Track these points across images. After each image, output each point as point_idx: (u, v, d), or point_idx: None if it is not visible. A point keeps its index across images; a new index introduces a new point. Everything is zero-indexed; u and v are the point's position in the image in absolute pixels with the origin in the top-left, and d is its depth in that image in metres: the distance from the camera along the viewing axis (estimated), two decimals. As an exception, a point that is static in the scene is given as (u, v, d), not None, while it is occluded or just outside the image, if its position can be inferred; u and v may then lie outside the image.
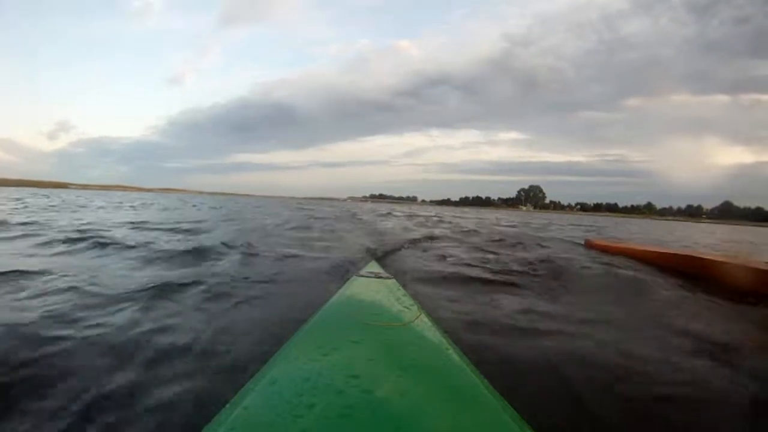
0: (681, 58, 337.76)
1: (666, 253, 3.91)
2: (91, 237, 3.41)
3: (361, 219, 9.07)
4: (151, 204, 13.44)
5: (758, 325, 1.94)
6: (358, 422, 0.54)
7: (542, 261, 3.46)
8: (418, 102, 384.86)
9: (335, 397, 0.60)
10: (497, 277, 2.65)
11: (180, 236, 4.10)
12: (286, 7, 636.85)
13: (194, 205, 14.00)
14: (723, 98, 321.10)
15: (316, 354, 0.78)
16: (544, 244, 5.18)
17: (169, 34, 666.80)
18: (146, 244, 3.28)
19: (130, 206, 10.94)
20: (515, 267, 3.11)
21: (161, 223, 5.49)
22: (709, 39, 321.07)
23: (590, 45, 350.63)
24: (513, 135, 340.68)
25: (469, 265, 3.12)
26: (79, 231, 3.87)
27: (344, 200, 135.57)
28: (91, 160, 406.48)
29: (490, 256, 3.75)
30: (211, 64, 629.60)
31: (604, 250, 4.71)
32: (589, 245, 5.26)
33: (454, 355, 0.84)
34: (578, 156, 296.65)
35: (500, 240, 5.53)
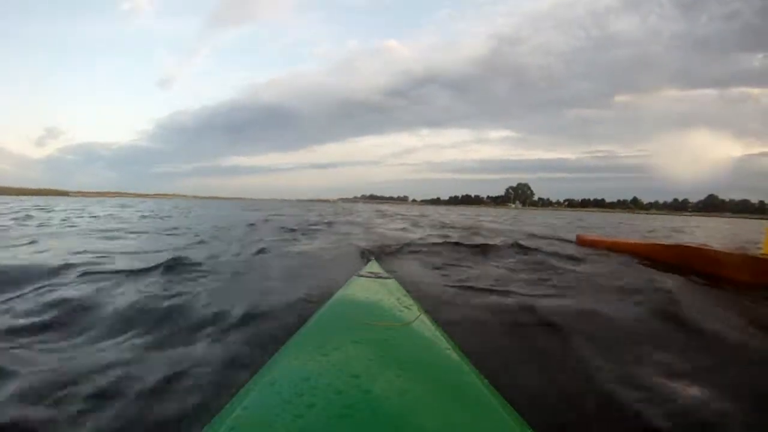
0: (670, 54, 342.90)
1: (657, 245, 4.01)
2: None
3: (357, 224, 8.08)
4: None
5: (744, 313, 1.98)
6: (358, 422, 0.54)
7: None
8: (408, 102, 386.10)
9: (335, 397, 0.60)
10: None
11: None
12: (275, 8, 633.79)
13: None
14: (711, 92, 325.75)
15: (316, 354, 0.78)
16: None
17: (158, 37, 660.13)
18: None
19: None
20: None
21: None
22: (698, 35, 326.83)
23: (579, 42, 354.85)
24: (503, 133, 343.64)
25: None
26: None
27: (335, 201, 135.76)
28: (81, 166, 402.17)
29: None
30: (199, 66, 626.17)
31: (596, 245, 4.75)
32: (581, 242, 5.24)
33: (454, 355, 0.85)
34: (567, 153, 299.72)
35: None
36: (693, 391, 1.15)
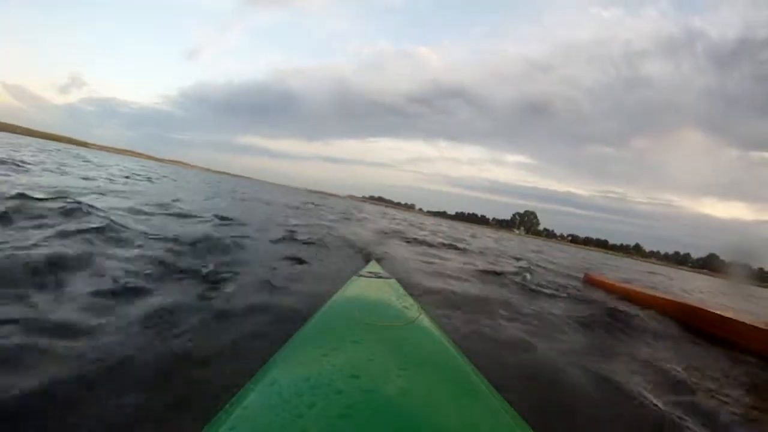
0: (698, 105, 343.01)
1: (666, 299, 3.76)
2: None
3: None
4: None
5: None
6: (358, 422, 0.55)
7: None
8: (430, 111, 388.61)
9: (335, 397, 0.60)
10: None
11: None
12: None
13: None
14: (732, 152, 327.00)
15: (316, 354, 0.79)
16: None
17: (192, 7, 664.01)
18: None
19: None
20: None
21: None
22: (728, 92, 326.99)
23: (608, 79, 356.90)
24: (519, 158, 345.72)
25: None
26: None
27: (344, 198, 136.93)
28: (99, 119, 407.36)
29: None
30: (229, 43, 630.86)
31: (603, 287, 4.58)
32: (588, 280, 5.09)
33: (454, 354, 0.85)
34: (581, 189, 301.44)
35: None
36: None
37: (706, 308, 3.25)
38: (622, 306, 3.28)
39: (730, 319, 2.90)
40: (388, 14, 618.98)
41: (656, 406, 1.39)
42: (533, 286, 3.63)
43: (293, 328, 1.00)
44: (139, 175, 10.62)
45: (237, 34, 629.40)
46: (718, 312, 3.05)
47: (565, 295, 3.56)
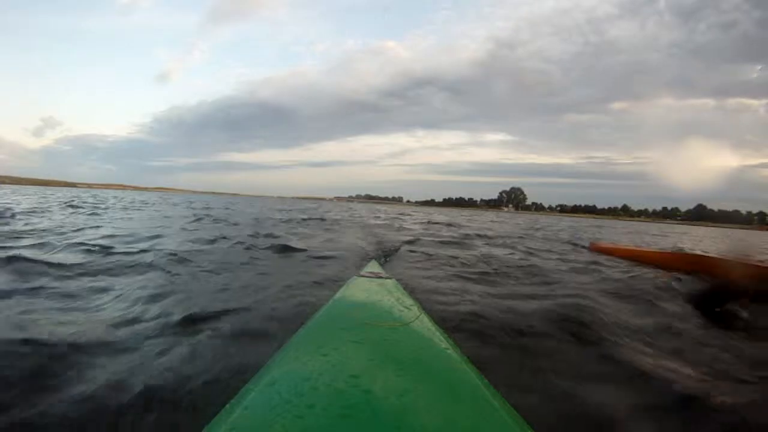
0: (668, 62, 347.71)
1: (672, 254, 4.28)
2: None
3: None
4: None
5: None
6: (358, 422, 0.54)
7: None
8: (405, 103, 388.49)
9: (335, 397, 0.60)
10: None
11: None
12: (273, 4, 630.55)
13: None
14: (709, 102, 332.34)
15: (316, 354, 0.78)
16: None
17: (156, 32, 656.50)
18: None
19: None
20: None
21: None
22: (696, 44, 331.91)
23: (577, 48, 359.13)
24: (500, 137, 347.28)
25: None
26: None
27: (330, 200, 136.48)
28: (78, 157, 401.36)
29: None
30: (197, 62, 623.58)
31: (610, 253, 4.90)
32: (594, 248, 5.42)
33: (454, 355, 0.85)
34: (565, 158, 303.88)
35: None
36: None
37: (706, 255, 3.57)
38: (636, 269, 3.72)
39: (728, 261, 3.27)
40: (353, 13, 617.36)
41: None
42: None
43: (293, 328, 0.99)
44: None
45: (203, 53, 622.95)
46: (712, 256, 3.45)
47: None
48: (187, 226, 6.18)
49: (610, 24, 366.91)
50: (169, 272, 2.53)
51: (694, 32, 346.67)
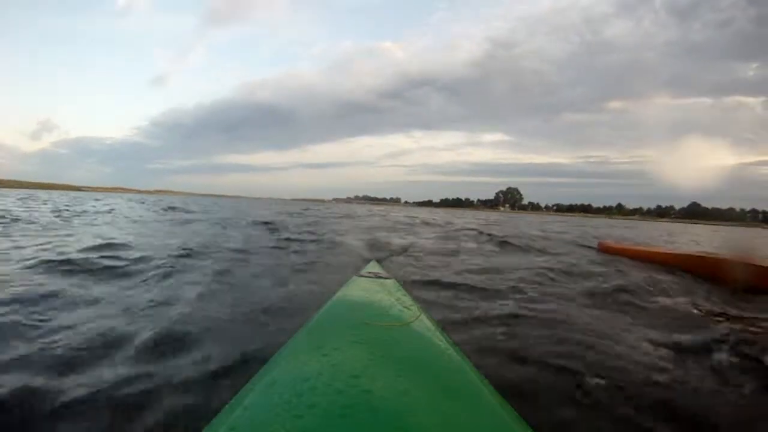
0: (664, 60, 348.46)
1: (678, 254, 4.20)
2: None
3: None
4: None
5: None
6: (358, 422, 0.54)
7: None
8: (402, 103, 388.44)
9: (335, 397, 0.60)
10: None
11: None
12: (270, 6, 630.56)
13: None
14: (706, 100, 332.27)
15: (316, 354, 0.78)
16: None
17: (153, 34, 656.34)
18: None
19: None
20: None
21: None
22: (692, 42, 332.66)
23: (573, 47, 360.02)
24: (497, 137, 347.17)
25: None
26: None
27: (329, 201, 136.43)
28: (75, 160, 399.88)
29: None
30: (194, 64, 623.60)
31: (619, 253, 4.82)
32: (603, 248, 5.31)
33: (454, 355, 0.85)
34: (562, 158, 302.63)
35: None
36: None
37: (712, 256, 3.58)
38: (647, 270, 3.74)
39: (732, 261, 3.29)
40: (349, 14, 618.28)
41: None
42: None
43: (293, 328, 1.00)
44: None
45: (200, 55, 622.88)
46: (718, 257, 3.49)
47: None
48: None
49: (606, 23, 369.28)
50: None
51: (689, 30, 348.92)
